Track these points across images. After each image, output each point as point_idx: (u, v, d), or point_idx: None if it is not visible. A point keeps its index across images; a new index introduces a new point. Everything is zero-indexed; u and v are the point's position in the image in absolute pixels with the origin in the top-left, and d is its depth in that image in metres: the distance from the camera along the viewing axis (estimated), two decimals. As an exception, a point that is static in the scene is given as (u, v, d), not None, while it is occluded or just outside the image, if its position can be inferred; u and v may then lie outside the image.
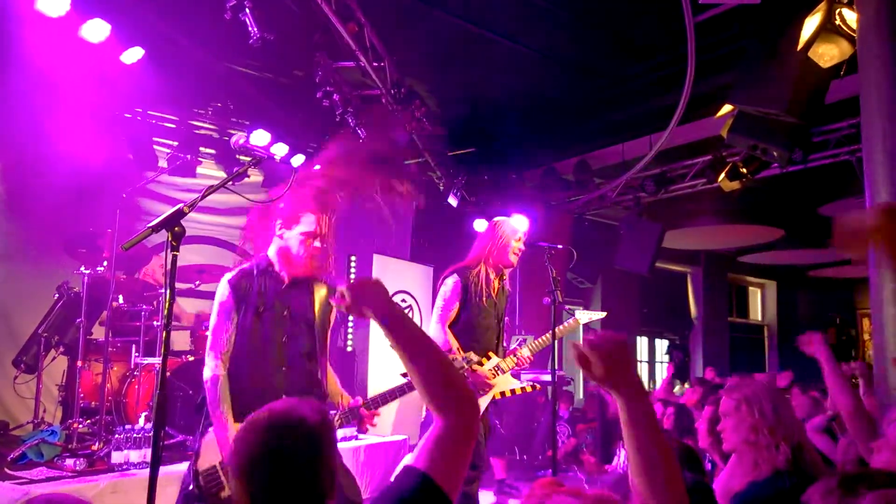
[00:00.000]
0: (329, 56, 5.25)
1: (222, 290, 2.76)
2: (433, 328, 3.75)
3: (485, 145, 7.40)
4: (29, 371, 5.06)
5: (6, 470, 3.86)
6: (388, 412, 6.13)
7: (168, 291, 2.26)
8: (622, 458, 5.34)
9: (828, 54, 3.90)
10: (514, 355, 3.78)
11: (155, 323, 4.90)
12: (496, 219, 4.03)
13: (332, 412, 2.62)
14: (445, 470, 1.36)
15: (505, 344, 3.93)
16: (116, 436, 4.06)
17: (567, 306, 4.26)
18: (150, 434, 3.70)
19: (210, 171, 6.65)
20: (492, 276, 3.77)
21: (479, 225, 6.46)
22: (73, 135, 5.32)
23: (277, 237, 2.82)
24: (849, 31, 3.81)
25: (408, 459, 1.41)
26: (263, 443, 1.40)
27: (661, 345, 13.04)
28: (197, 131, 6.58)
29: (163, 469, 2.26)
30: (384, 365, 6.52)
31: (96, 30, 4.33)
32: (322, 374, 2.86)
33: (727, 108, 4.73)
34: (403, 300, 7.19)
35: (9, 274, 5.59)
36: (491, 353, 3.71)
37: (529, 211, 4.34)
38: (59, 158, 5.48)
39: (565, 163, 8.04)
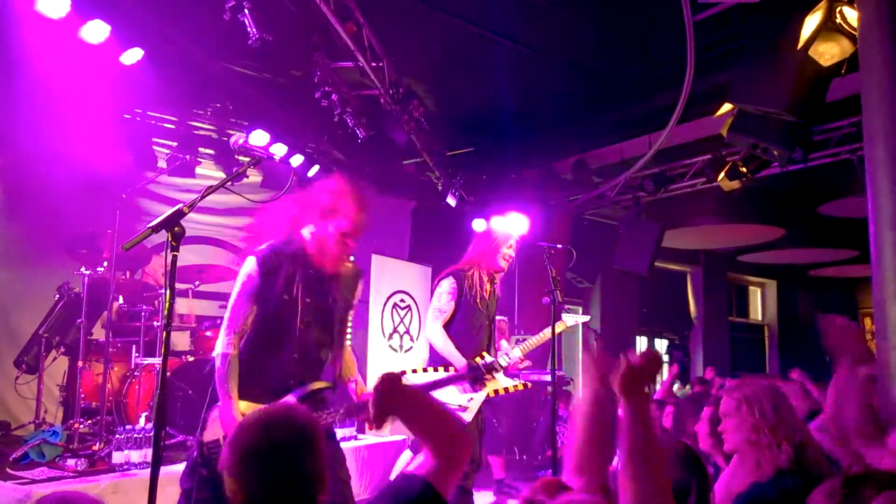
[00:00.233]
0: (327, 56, 5.25)
1: (249, 268, 2.70)
2: (430, 328, 3.94)
3: (483, 145, 7.39)
4: (30, 371, 5.07)
5: (8, 470, 3.86)
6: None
7: (168, 292, 2.27)
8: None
9: (828, 52, 3.89)
10: (507, 355, 3.98)
11: (155, 323, 4.90)
12: (491, 224, 4.20)
13: (338, 409, 2.62)
14: (444, 480, 1.54)
15: (497, 345, 4.10)
16: (117, 436, 4.06)
17: (567, 306, 4.33)
18: (151, 434, 3.72)
19: (209, 172, 6.65)
20: (484, 279, 3.99)
21: (478, 225, 6.46)
22: (73, 136, 5.32)
23: (312, 225, 2.76)
24: (849, 30, 3.80)
25: (404, 460, 1.56)
26: (257, 440, 1.50)
27: (661, 345, 13.05)
28: (196, 132, 6.58)
29: (163, 469, 2.26)
30: (384, 366, 6.52)
31: (96, 31, 4.32)
32: (337, 359, 2.89)
33: (727, 106, 4.72)
34: (402, 300, 7.19)
35: (9, 275, 5.59)
36: (484, 353, 3.91)
37: (528, 210, 4.36)
38: (59, 159, 5.49)
39: (564, 162, 8.04)
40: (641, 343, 12.56)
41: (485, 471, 5.47)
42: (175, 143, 6.40)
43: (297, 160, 5.97)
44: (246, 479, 1.48)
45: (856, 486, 1.34)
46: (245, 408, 2.58)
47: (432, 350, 3.97)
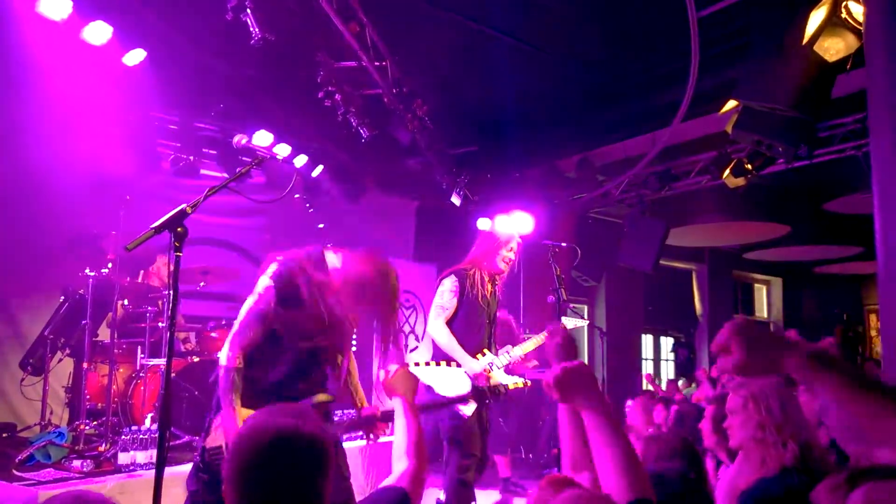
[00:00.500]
0: (330, 56, 5.24)
1: (266, 291, 2.64)
2: (433, 325, 4.00)
3: (487, 143, 7.38)
4: (36, 373, 5.08)
5: (14, 472, 3.87)
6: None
7: (172, 293, 2.26)
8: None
9: (834, 48, 3.87)
10: (508, 353, 4.04)
11: (160, 324, 4.91)
12: (494, 225, 4.27)
13: (343, 415, 2.62)
14: (418, 490, 1.79)
15: (517, 340, 4.21)
16: (123, 437, 4.08)
17: (572, 305, 4.33)
18: (157, 435, 3.73)
19: (213, 172, 6.65)
20: (485, 279, 4.05)
21: (483, 224, 6.47)
22: (77, 137, 5.32)
23: (346, 264, 2.72)
24: (855, 25, 3.78)
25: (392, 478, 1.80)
26: (262, 456, 1.38)
27: (667, 342, 13.02)
28: (200, 132, 6.57)
29: (169, 470, 2.27)
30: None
31: (98, 32, 4.33)
32: (342, 370, 2.91)
33: (732, 103, 4.69)
34: (407, 300, 7.18)
35: (14, 277, 5.60)
36: (485, 350, 3.98)
37: (533, 209, 4.37)
38: (63, 161, 5.49)
39: (568, 160, 8.02)
40: (647, 341, 12.54)
41: (491, 469, 5.46)
42: (178, 144, 6.41)
43: (300, 160, 5.97)
44: (246, 496, 1.37)
45: (860, 480, 1.32)
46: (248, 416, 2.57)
47: (435, 346, 4.01)
